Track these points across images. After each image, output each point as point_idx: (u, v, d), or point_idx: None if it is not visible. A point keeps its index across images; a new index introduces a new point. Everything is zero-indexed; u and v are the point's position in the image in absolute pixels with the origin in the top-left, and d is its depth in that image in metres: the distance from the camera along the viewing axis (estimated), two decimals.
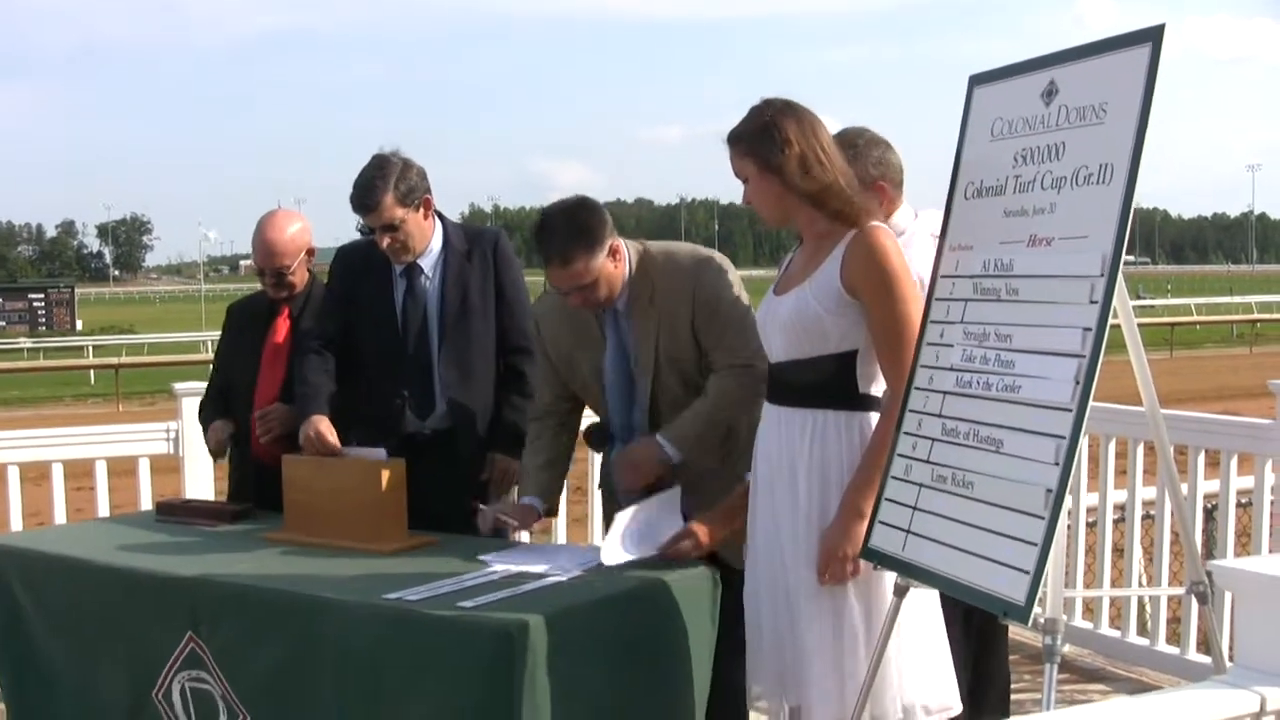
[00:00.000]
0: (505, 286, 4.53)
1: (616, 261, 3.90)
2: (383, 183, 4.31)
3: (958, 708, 3.52)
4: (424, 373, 4.49)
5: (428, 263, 4.49)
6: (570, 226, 3.84)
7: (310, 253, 4.81)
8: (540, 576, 3.62)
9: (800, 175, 3.39)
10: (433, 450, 4.43)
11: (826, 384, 3.44)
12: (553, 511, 4.27)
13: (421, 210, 4.41)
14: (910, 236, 3.95)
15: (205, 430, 4.92)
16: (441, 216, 4.56)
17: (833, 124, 3.61)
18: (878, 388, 3.47)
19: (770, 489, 3.54)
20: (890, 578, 3.36)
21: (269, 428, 4.63)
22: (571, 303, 3.95)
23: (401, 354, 4.48)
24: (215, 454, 4.95)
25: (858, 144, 3.96)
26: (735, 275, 3.99)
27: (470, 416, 4.50)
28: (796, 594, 3.45)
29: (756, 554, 3.60)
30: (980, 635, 4.09)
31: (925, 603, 3.42)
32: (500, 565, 3.73)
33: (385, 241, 4.37)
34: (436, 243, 4.51)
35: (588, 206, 3.90)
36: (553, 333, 4.15)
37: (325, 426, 4.27)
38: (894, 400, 3.40)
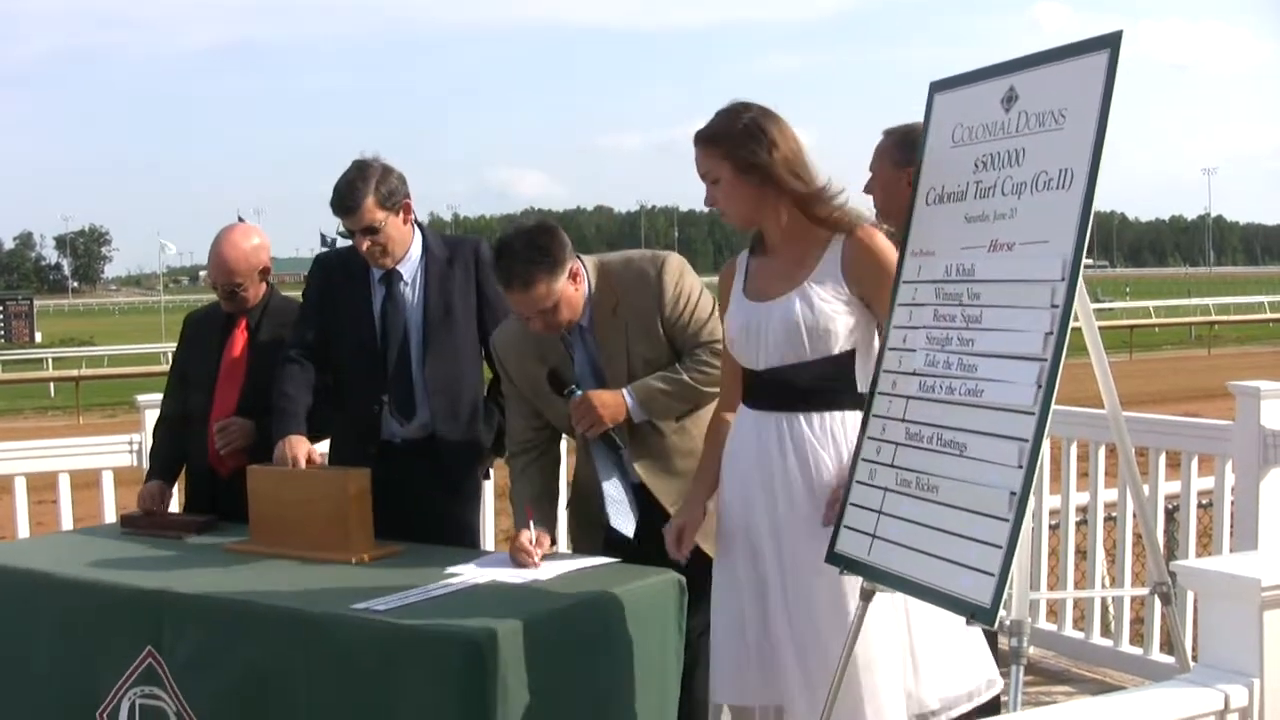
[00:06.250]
0: (488, 293, 4.50)
1: (577, 284, 3.91)
2: (363, 185, 4.31)
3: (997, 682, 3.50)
4: (404, 379, 4.46)
5: (407, 269, 4.48)
6: (530, 251, 3.82)
7: (265, 271, 4.78)
8: (507, 585, 3.63)
9: (791, 177, 3.41)
10: (411, 456, 4.43)
11: (829, 386, 3.44)
12: (553, 542, 4.11)
13: (401, 215, 4.41)
14: None
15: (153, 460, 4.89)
16: (420, 225, 4.56)
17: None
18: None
19: (746, 493, 3.50)
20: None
21: (229, 440, 4.61)
22: (533, 328, 3.93)
23: (381, 360, 4.46)
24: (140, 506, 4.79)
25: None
26: (690, 270, 4.05)
27: (454, 422, 4.48)
28: (809, 600, 3.41)
29: (734, 558, 3.54)
30: None
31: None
32: (468, 574, 3.73)
33: (365, 245, 4.36)
34: (416, 250, 4.50)
35: (546, 230, 3.90)
36: (517, 365, 4.12)
37: (303, 449, 4.23)
38: None
